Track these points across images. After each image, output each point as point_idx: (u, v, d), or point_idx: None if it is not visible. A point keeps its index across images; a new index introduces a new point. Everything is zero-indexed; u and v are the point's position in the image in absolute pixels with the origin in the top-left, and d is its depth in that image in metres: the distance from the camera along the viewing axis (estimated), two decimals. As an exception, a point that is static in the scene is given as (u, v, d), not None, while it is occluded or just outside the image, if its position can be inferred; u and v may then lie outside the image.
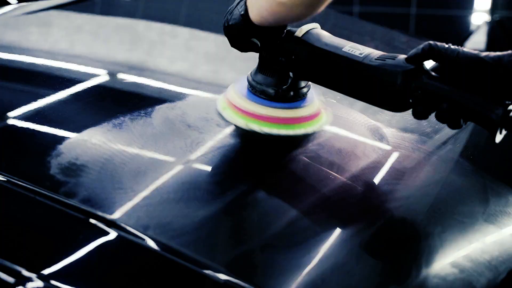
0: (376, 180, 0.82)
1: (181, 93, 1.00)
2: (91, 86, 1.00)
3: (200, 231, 0.69)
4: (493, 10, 3.10)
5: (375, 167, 0.85)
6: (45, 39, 1.27)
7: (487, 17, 3.10)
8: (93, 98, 0.97)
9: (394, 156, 0.88)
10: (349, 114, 0.96)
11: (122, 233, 0.66)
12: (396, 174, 0.85)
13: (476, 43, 2.80)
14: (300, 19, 0.76)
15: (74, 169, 0.75)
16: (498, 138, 0.72)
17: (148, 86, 1.05)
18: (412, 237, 0.76)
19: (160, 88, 1.05)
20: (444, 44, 0.74)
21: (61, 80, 1.02)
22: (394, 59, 0.77)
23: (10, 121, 0.88)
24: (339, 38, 0.83)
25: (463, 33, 3.06)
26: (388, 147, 0.90)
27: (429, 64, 0.78)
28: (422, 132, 0.94)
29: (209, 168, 0.80)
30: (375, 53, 0.79)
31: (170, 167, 0.78)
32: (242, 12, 0.81)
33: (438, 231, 0.77)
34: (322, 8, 0.73)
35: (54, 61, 1.12)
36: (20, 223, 0.70)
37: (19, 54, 1.15)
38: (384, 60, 0.77)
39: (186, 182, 0.76)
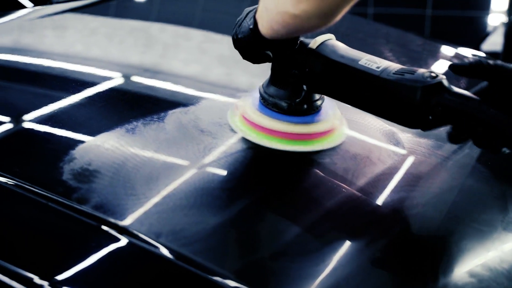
0: (392, 188, 0.81)
1: (194, 97, 0.99)
2: (104, 90, 0.99)
3: (212, 239, 0.68)
4: (510, 11, 3.07)
5: (391, 175, 0.83)
6: (60, 42, 1.27)
7: (504, 18, 3.06)
8: (106, 102, 0.97)
9: (410, 163, 0.87)
10: (364, 127, 0.94)
11: (134, 240, 0.66)
12: (412, 180, 0.83)
13: (492, 45, 2.77)
14: (314, 31, 0.73)
15: (86, 175, 0.74)
16: None
17: (161, 89, 1.05)
18: (428, 246, 0.74)
19: (173, 91, 1.04)
20: (495, 61, 0.71)
21: (74, 84, 1.02)
22: (413, 73, 0.74)
23: (23, 125, 0.88)
24: (355, 50, 0.81)
25: (480, 35, 3.04)
26: (404, 154, 0.89)
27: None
28: (439, 137, 0.93)
29: (221, 176, 0.79)
30: (393, 66, 0.76)
31: (182, 173, 0.77)
32: (251, 26, 0.79)
33: (455, 240, 0.76)
34: (337, 19, 0.69)
35: (68, 64, 1.12)
36: (31, 229, 0.69)
37: (34, 57, 1.15)
38: (403, 74, 0.74)
39: (198, 189, 0.75)
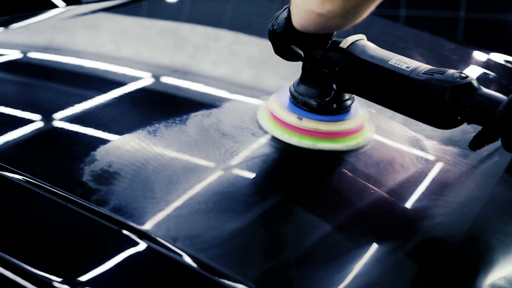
0: (416, 195, 0.80)
1: (220, 99, 0.99)
2: (130, 91, 1.00)
3: (231, 244, 0.67)
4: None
5: (416, 182, 0.82)
6: (90, 42, 1.28)
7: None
8: (131, 103, 0.97)
9: (435, 170, 0.86)
10: (392, 126, 0.93)
11: (152, 244, 0.66)
12: (437, 188, 0.82)
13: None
14: (341, 29, 0.75)
15: (105, 176, 0.74)
16: None
17: (188, 90, 1.05)
18: (451, 256, 0.74)
19: (199, 93, 1.04)
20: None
21: (100, 83, 1.03)
22: (443, 74, 0.74)
23: (45, 124, 0.88)
24: (385, 50, 0.81)
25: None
26: (430, 161, 0.88)
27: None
28: (466, 145, 0.91)
29: (243, 179, 0.79)
30: (422, 66, 0.77)
31: (203, 176, 0.77)
32: (286, 16, 0.81)
33: (478, 251, 0.75)
34: (361, 18, 0.71)
35: (97, 63, 1.13)
36: (49, 230, 0.70)
37: (65, 56, 1.16)
38: (432, 74, 0.75)
39: (219, 193, 0.75)
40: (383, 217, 0.76)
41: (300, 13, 0.73)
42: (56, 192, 0.71)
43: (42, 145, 0.84)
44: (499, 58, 1.40)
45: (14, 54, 1.15)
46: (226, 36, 1.40)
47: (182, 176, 0.76)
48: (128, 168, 0.77)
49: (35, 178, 0.73)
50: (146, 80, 1.07)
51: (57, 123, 0.88)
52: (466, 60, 1.42)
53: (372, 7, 0.69)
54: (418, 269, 0.71)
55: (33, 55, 1.16)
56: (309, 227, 0.73)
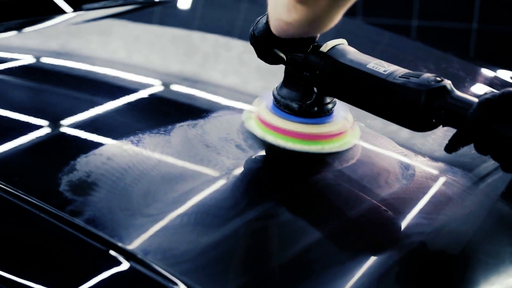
0: (397, 207, 0.79)
1: (204, 110, 0.98)
2: (138, 99, 0.99)
3: (206, 258, 0.65)
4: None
5: (398, 192, 0.82)
6: (98, 48, 1.28)
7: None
8: (138, 111, 0.96)
9: (418, 182, 0.85)
10: (378, 131, 0.94)
11: (131, 262, 0.63)
12: (417, 203, 0.81)
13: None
14: (312, 35, 0.77)
15: (83, 187, 0.72)
16: None
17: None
18: (431, 275, 0.72)
19: (191, 99, 1.04)
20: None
21: (102, 90, 1.02)
22: (418, 77, 0.76)
23: (42, 131, 0.87)
24: (365, 54, 0.83)
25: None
26: (414, 170, 0.88)
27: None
28: (455, 159, 0.90)
29: (224, 191, 0.77)
30: (400, 70, 0.78)
31: (186, 188, 0.76)
32: (265, 21, 0.83)
33: (460, 271, 0.74)
34: (331, 25, 0.73)
35: (102, 69, 1.13)
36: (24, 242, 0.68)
37: (71, 62, 1.16)
38: (408, 78, 0.76)
39: (200, 204, 0.73)
40: (364, 223, 0.76)
41: (272, 21, 0.76)
42: (31, 202, 0.69)
43: (25, 158, 0.82)
44: (507, 75, 1.39)
45: (22, 59, 1.16)
46: (237, 45, 1.39)
47: (162, 188, 0.75)
48: (107, 179, 0.75)
49: (16, 189, 0.71)
50: (152, 88, 1.06)
51: (48, 130, 0.87)
52: (474, 79, 1.39)
53: (338, 16, 0.71)
54: (403, 277, 0.70)
55: (41, 60, 1.16)
56: (292, 237, 0.72)
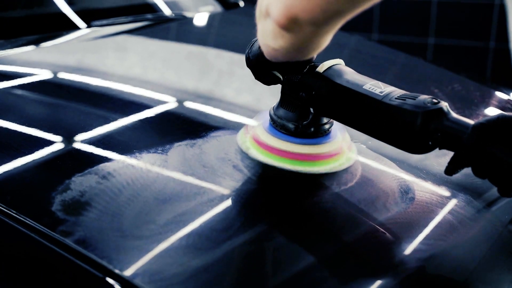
0: (395, 230, 0.78)
1: (205, 128, 0.97)
2: (142, 117, 0.99)
3: (196, 281, 0.64)
4: None
5: (395, 215, 0.80)
6: (110, 64, 1.28)
7: None
8: (149, 127, 0.96)
9: (417, 205, 0.84)
10: (376, 151, 0.93)
11: (119, 285, 0.62)
12: (416, 226, 0.79)
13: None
14: (300, 60, 0.76)
15: (75, 207, 0.71)
16: None
17: (181, 115, 1.04)
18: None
19: (194, 118, 1.03)
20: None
21: (110, 106, 1.02)
22: (414, 99, 0.75)
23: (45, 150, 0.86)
24: (362, 75, 0.82)
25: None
26: (412, 192, 0.86)
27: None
28: (455, 183, 0.89)
29: (218, 213, 0.76)
30: (396, 92, 0.78)
31: (179, 209, 0.74)
32: (258, 45, 0.83)
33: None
34: (319, 50, 0.73)
35: (113, 85, 1.13)
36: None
37: (84, 77, 1.17)
38: (404, 99, 0.75)
39: (193, 226, 0.71)
40: (361, 248, 0.74)
41: (261, 46, 0.76)
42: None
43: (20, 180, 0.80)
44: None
45: (37, 74, 1.16)
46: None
47: (154, 208, 0.74)
48: (100, 198, 0.74)
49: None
50: (157, 106, 1.05)
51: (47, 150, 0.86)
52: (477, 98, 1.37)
53: (325, 41, 0.71)
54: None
55: (54, 75, 1.17)
56: (286, 261, 0.70)
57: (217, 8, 1.82)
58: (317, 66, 0.82)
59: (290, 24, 0.65)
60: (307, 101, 0.83)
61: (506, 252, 0.81)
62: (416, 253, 0.74)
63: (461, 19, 3.22)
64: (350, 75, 0.81)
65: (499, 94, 1.36)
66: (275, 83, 0.87)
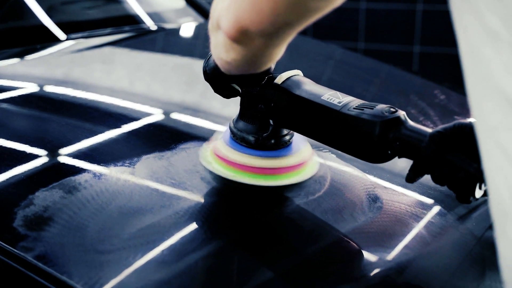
0: (359, 239, 0.78)
1: (175, 140, 0.97)
2: (139, 127, 1.00)
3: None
4: None
5: (357, 214, 0.81)
6: (93, 75, 1.30)
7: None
8: (139, 139, 0.96)
9: (380, 199, 0.85)
10: (337, 161, 0.93)
11: None
12: (381, 235, 0.80)
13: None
14: (253, 72, 0.75)
15: (37, 222, 0.71)
16: (478, 194, 0.70)
17: (151, 127, 1.05)
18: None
19: (164, 130, 1.04)
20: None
21: (86, 116, 1.02)
22: (372, 108, 0.75)
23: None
24: (321, 86, 0.82)
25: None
26: (376, 200, 0.87)
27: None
28: (424, 190, 0.90)
29: (179, 226, 0.76)
30: (355, 101, 0.78)
31: (142, 222, 0.74)
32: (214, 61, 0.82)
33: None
34: (271, 63, 0.73)
35: (94, 96, 1.14)
36: None
37: (66, 89, 1.17)
38: (362, 109, 0.76)
39: (155, 239, 0.71)
40: (326, 258, 0.75)
41: (215, 59, 0.76)
42: None
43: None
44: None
45: (21, 88, 1.16)
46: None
47: (119, 222, 0.74)
48: (63, 213, 0.73)
49: None
50: (137, 118, 1.06)
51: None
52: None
53: (277, 54, 0.71)
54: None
55: (39, 88, 1.17)
56: (249, 274, 0.70)
57: (198, 19, 1.84)
58: (275, 78, 0.82)
59: (240, 36, 0.65)
60: (267, 113, 0.82)
61: (479, 261, 0.81)
62: (382, 263, 0.74)
63: (446, 27, 3.25)
64: (309, 86, 0.81)
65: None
66: (235, 96, 0.87)
